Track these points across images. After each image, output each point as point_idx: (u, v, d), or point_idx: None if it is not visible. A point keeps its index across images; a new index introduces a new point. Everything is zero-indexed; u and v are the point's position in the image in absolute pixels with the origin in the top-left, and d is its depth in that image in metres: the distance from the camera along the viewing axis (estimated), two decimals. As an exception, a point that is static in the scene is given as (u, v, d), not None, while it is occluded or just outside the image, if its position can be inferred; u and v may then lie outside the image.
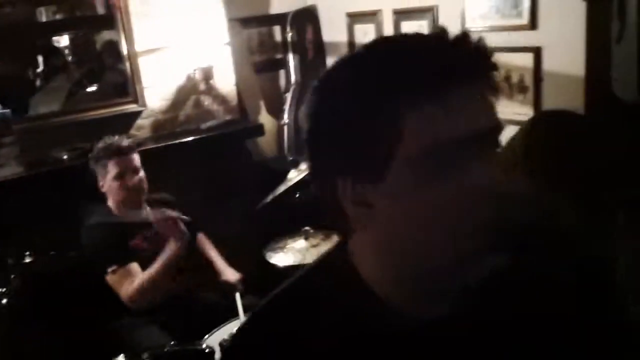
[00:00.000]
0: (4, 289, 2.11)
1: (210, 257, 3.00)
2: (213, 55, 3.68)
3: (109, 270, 2.52)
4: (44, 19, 3.76)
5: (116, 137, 2.77)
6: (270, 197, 2.72)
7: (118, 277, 2.53)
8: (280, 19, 4.09)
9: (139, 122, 3.59)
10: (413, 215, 0.68)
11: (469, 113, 0.67)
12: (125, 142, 2.72)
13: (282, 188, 2.78)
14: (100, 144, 2.72)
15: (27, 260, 2.16)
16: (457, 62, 0.66)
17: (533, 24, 2.72)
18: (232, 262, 3.00)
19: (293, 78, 4.09)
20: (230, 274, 2.89)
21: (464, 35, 0.68)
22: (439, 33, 0.69)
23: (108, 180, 2.65)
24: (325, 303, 0.76)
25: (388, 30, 3.64)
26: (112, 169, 2.63)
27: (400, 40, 0.73)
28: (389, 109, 0.66)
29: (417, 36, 0.72)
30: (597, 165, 1.21)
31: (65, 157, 3.23)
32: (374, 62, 0.69)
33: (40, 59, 3.84)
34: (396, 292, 0.74)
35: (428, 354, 0.73)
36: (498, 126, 0.70)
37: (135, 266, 2.55)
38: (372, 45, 0.72)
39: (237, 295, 2.58)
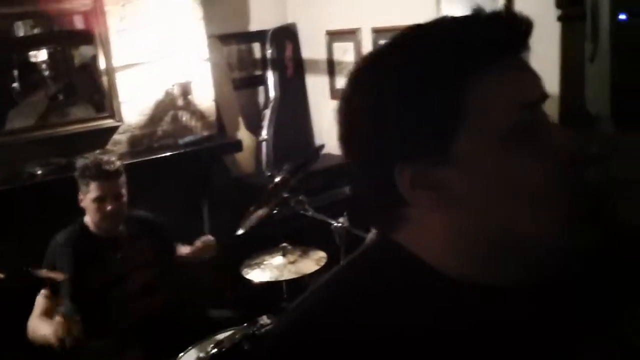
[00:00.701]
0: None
1: (186, 252, 2.93)
2: (192, 71, 3.67)
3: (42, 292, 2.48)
4: (21, 34, 3.73)
5: (105, 156, 2.71)
6: (246, 215, 2.70)
7: (37, 302, 2.49)
8: (259, 36, 4.11)
9: (116, 137, 3.56)
10: (492, 189, 0.65)
11: (529, 77, 0.67)
12: (115, 165, 2.64)
13: (257, 206, 2.75)
14: (90, 159, 2.66)
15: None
16: (509, 31, 0.67)
17: (509, 44, 2.77)
18: (209, 278, 2.97)
19: (272, 94, 4.11)
20: (204, 239, 2.89)
21: (507, 9, 0.72)
22: (478, 9, 0.69)
23: (87, 199, 2.60)
24: (396, 295, 0.69)
25: (367, 49, 3.67)
26: (94, 191, 2.57)
27: (448, 19, 0.71)
28: (453, 80, 0.64)
29: (462, 16, 0.71)
30: None
31: (39, 172, 3.18)
32: (430, 38, 0.67)
33: (16, 73, 3.80)
34: (475, 272, 0.69)
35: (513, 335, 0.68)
36: (547, 93, 0.71)
37: (40, 303, 2.49)
38: (418, 27, 0.70)
39: None
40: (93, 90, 3.66)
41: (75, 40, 3.65)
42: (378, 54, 0.71)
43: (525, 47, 0.69)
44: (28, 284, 2.36)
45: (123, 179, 2.64)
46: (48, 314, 2.42)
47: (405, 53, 0.67)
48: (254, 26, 4.13)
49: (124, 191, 2.64)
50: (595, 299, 0.72)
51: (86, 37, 3.52)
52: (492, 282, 0.68)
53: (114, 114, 3.51)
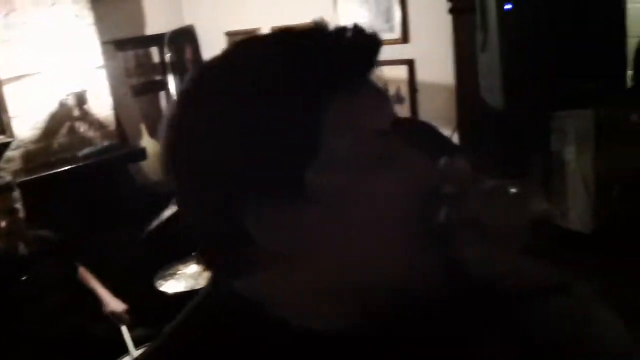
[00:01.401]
0: None
1: (94, 289, 2.85)
2: (86, 79, 3.52)
3: None
4: None
5: None
6: (155, 224, 2.63)
7: None
8: (157, 39, 4.00)
9: (8, 154, 3.35)
10: (348, 225, 0.58)
11: (382, 102, 0.62)
12: (5, 179, 2.51)
13: (167, 214, 2.69)
14: None
15: None
16: (359, 51, 0.60)
17: (405, 38, 2.85)
18: (121, 294, 2.86)
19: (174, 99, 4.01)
20: (114, 305, 2.76)
21: (355, 26, 0.61)
22: (321, 24, 0.62)
23: None
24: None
25: (268, 48, 3.67)
26: None
27: (291, 33, 0.63)
28: (303, 106, 0.56)
29: (305, 30, 0.63)
30: None
31: None
32: (273, 56, 0.59)
33: None
34: (330, 320, 0.61)
35: None
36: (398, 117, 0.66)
37: None
38: (252, 44, 0.63)
39: (124, 328, 2.47)
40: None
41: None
42: (217, 68, 0.62)
43: (374, 66, 0.62)
44: None
45: (16, 194, 2.51)
46: None
47: (248, 73, 0.58)
48: (150, 30, 4.01)
49: (17, 206, 2.50)
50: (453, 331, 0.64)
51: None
52: (345, 330, 0.61)
53: (3, 129, 3.31)
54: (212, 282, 0.68)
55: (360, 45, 0.60)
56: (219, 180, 0.58)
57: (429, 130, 1.36)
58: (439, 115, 2.78)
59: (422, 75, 2.85)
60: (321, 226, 0.58)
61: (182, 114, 0.61)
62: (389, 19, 2.90)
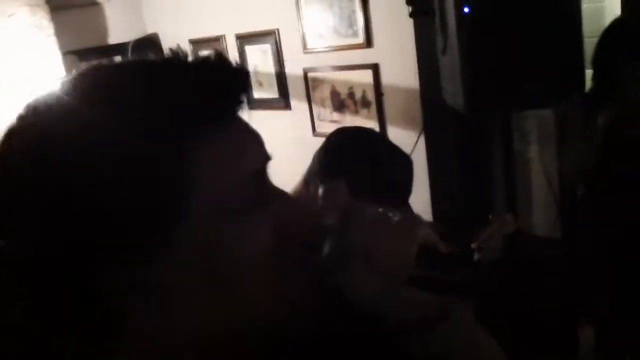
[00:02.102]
0: None
1: None
2: (47, 90, 3.45)
3: None
4: None
5: None
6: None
7: None
8: (119, 49, 3.94)
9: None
10: (217, 279, 0.52)
11: (252, 141, 0.57)
12: None
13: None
14: None
15: None
16: (226, 84, 0.54)
17: (369, 42, 2.86)
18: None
19: (139, 109, 3.96)
20: None
21: (218, 55, 0.56)
22: (180, 53, 0.56)
23: None
24: None
25: (233, 55, 3.64)
26: None
27: (144, 63, 0.57)
28: (163, 153, 0.49)
29: (162, 60, 0.56)
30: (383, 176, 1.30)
31: None
32: (134, 91, 0.51)
33: None
34: None
35: None
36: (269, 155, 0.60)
37: None
38: (113, 73, 0.56)
39: None
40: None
41: None
42: (51, 105, 0.54)
43: (243, 100, 0.57)
44: None
45: None
46: None
47: (98, 108, 0.50)
48: (113, 39, 3.96)
49: None
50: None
51: None
52: None
53: (-37, 144, 3.22)
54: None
55: (224, 80, 0.54)
56: (77, 247, 0.49)
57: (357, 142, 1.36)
58: (406, 118, 2.80)
59: (387, 79, 2.87)
60: (192, 281, 0.52)
61: (7, 157, 0.52)
62: (352, 23, 2.91)
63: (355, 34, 2.91)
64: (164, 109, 0.50)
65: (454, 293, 0.62)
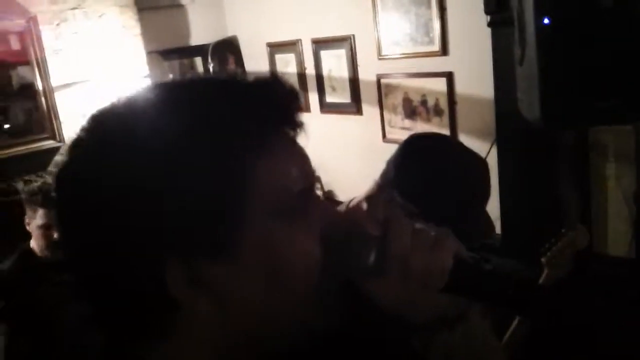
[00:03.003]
0: None
1: None
2: (132, 87, 3.63)
3: None
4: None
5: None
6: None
7: None
8: (201, 50, 4.10)
9: (57, 158, 3.48)
10: (272, 279, 0.57)
11: (300, 159, 0.61)
12: None
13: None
14: (39, 183, 2.59)
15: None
16: (277, 107, 0.59)
17: (444, 50, 2.86)
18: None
19: (216, 108, 4.10)
20: None
21: (275, 76, 0.61)
22: (237, 74, 0.61)
23: (33, 224, 2.55)
24: None
25: (308, 59, 3.71)
26: (40, 218, 2.52)
27: (204, 83, 0.62)
28: (221, 165, 0.54)
29: (225, 79, 0.61)
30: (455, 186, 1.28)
31: (-22, 197, 3.09)
32: (188, 110, 0.56)
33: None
34: None
35: None
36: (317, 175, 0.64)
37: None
38: (172, 92, 0.60)
39: None
40: (32, 111, 3.58)
41: (12, 63, 3.57)
42: (119, 117, 0.58)
43: (295, 120, 0.61)
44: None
45: None
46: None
47: (165, 126, 0.55)
48: (195, 40, 4.12)
49: None
50: None
51: (23, 57, 3.45)
52: None
53: (54, 134, 3.44)
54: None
55: (275, 100, 0.59)
56: (145, 243, 0.54)
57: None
58: (478, 127, 2.78)
59: (461, 88, 2.86)
60: (240, 284, 0.57)
61: (79, 168, 0.57)
62: (428, 31, 2.92)
63: (431, 42, 2.92)
64: (223, 126, 0.55)
65: (488, 304, 0.64)
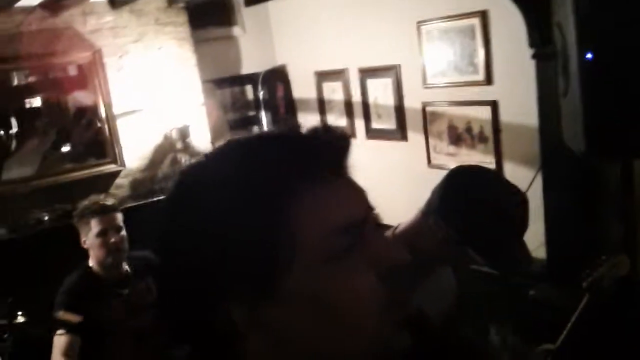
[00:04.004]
0: (-2, 347, 2.13)
1: None
2: (189, 115, 3.83)
3: (58, 332, 2.55)
4: (15, 82, 3.87)
5: (102, 196, 2.82)
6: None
7: (56, 342, 2.57)
8: (251, 78, 4.28)
9: (118, 181, 3.69)
10: (325, 318, 0.61)
11: (350, 197, 0.64)
12: (110, 200, 2.78)
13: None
14: (85, 202, 2.77)
15: (20, 320, 2.19)
16: (326, 151, 0.63)
17: (489, 80, 2.95)
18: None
19: (266, 134, 4.25)
20: None
21: (325, 125, 0.67)
22: (293, 127, 0.67)
23: (90, 236, 2.69)
24: None
25: (355, 87, 3.85)
26: (95, 227, 2.67)
27: (256, 141, 0.67)
28: (272, 214, 0.59)
29: (273, 134, 0.68)
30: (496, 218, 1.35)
31: (46, 218, 3.29)
32: (240, 167, 0.62)
33: (14, 121, 3.92)
34: None
35: None
36: (372, 204, 0.67)
37: (60, 342, 2.56)
38: (225, 151, 0.66)
39: None
40: (91, 135, 3.79)
41: (70, 87, 3.80)
42: (199, 169, 0.65)
43: (344, 163, 0.66)
44: (45, 328, 2.44)
45: (120, 215, 2.75)
46: (67, 353, 2.50)
47: (226, 185, 0.61)
48: (246, 69, 4.30)
49: (122, 225, 2.75)
50: None
51: (81, 84, 3.67)
52: None
53: (116, 159, 3.64)
54: None
55: (327, 145, 0.64)
56: (206, 287, 0.61)
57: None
58: (522, 155, 2.85)
59: (505, 116, 2.93)
60: (293, 325, 0.61)
61: (174, 219, 0.64)
62: (473, 61, 3.01)
63: (475, 71, 3.01)
64: (267, 182, 0.60)
65: None
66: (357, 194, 0.65)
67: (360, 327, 0.61)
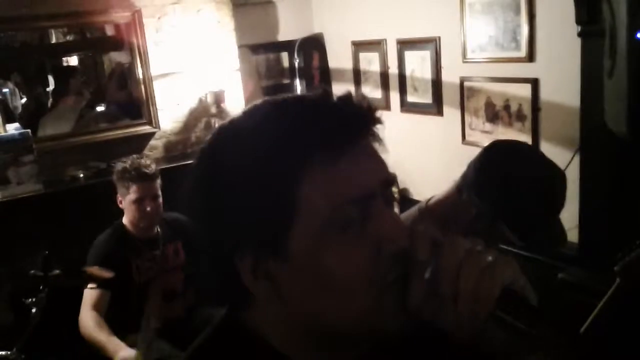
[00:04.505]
0: (33, 299, 2.20)
1: None
2: (224, 79, 3.83)
3: (89, 286, 2.61)
4: (54, 40, 3.92)
5: (143, 160, 2.82)
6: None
7: (86, 296, 2.62)
8: (287, 45, 4.25)
9: (153, 142, 3.73)
10: (320, 283, 0.64)
11: (364, 169, 0.65)
12: (152, 168, 2.78)
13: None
14: (128, 163, 2.77)
15: (55, 272, 2.25)
16: (345, 120, 0.65)
17: (531, 57, 2.88)
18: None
19: (300, 103, 4.24)
20: None
21: (349, 94, 0.68)
22: (322, 93, 0.68)
23: (127, 200, 2.73)
24: None
25: (392, 59, 3.79)
26: (133, 193, 2.70)
27: (284, 103, 0.69)
28: (284, 175, 0.62)
29: (300, 98, 0.72)
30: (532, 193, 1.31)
31: (81, 175, 3.35)
32: (264, 127, 0.66)
33: (51, 79, 3.99)
34: (312, 355, 0.71)
35: None
36: (392, 179, 0.69)
37: (91, 295, 2.60)
38: (255, 110, 0.69)
39: None
40: (126, 96, 3.83)
41: (106, 47, 3.84)
42: (226, 133, 0.70)
43: (367, 133, 0.68)
44: (77, 282, 2.50)
45: (159, 181, 2.79)
46: (97, 307, 2.57)
47: (245, 140, 0.66)
48: (283, 36, 4.27)
49: (159, 193, 2.79)
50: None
51: (117, 43, 3.70)
52: None
53: (151, 120, 3.68)
54: (226, 314, 0.76)
55: (351, 113, 0.66)
56: (223, 233, 0.67)
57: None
58: (561, 135, 2.78)
59: (545, 95, 2.86)
60: (291, 283, 0.66)
61: (202, 167, 0.70)
62: (515, 37, 2.93)
63: (517, 48, 2.94)
64: (280, 148, 0.63)
65: (522, 342, 0.64)
66: (374, 167, 0.67)
67: (352, 299, 0.64)
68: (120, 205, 2.79)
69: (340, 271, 0.63)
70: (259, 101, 0.71)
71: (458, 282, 0.62)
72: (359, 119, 0.66)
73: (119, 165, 2.79)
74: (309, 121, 0.64)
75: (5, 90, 3.84)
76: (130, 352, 2.35)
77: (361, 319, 0.65)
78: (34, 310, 2.17)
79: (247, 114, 0.70)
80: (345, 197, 0.62)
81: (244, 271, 0.66)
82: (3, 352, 2.16)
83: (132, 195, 2.71)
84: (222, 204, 0.66)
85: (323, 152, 0.62)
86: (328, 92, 0.68)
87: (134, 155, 2.89)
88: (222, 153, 0.68)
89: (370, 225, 0.64)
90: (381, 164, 0.68)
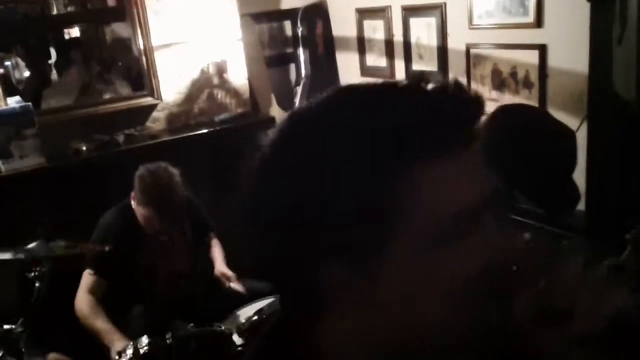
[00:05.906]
0: (36, 272, 2.21)
1: (213, 257, 3.03)
2: (226, 50, 3.77)
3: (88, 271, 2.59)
4: (55, 12, 3.86)
5: (163, 169, 2.66)
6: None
7: (84, 279, 2.61)
8: (290, 14, 4.18)
9: (155, 114, 3.70)
10: (423, 291, 0.59)
11: (476, 174, 0.59)
12: (177, 193, 2.64)
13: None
14: (149, 169, 2.62)
15: (59, 244, 2.25)
16: (462, 121, 0.58)
17: (539, 23, 2.81)
18: (234, 257, 3.05)
19: (303, 72, 4.19)
20: (224, 269, 2.93)
21: (449, 83, 0.59)
22: (418, 79, 0.60)
23: (140, 210, 2.62)
24: None
25: (397, 26, 3.73)
26: (146, 213, 2.61)
27: (371, 93, 0.61)
28: (393, 176, 0.55)
29: (390, 86, 0.61)
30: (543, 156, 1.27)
31: (84, 148, 3.34)
32: (363, 120, 0.57)
33: (52, 51, 3.95)
34: None
35: None
36: (501, 188, 0.63)
37: (88, 279, 2.59)
38: (343, 100, 0.61)
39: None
40: (128, 68, 3.79)
41: (108, 18, 3.78)
42: (308, 122, 0.61)
43: (473, 133, 0.60)
44: (79, 260, 2.49)
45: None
46: (93, 291, 2.56)
47: (330, 138, 0.57)
48: (285, 4, 4.19)
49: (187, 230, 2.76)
50: None
51: (119, 14, 3.64)
52: None
53: (153, 92, 3.64)
54: (282, 320, 0.69)
55: (457, 111, 0.57)
56: (310, 239, 0.58)
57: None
58: (568, 102, 2.73)
59: (553, 62, 2.81)
60: (386, 293, 0.59)
61: (272, 166, 0.61)
62: (523, 2, 2.87)
63: (525, 13, 2.87)
64: (390, 135, 0.55)
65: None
66: (480, 172, 0.59)
67: (456, 310, 0.59)
68: (132, 205, 2.68)
69: (441, 287, 0.58)
70: (335, 90, 0.61)
71: (575, 298, 0.60)
72: (470, 114, 0.59)
73: (140, 170, 2.63)
74: (412, 116, 0.56)
75: (7, 63, 3.80)
76: (124, 343, 2.32)
77: (459, 332, 0.60)
78: (37, 284, 2.17)
79: (329, 106, 0.60)
80: (452, 208, 0.56)
81: (332, 278, 0.58)
82: (7, 326, 2.18)
83: (146, 215, 2.61)
84: (313, 206, 0.57)
85: (428, 155, 0.55)
86: (423, 78, 0.59)
87: (139, 128, 2.80)
88: (310, 150, 0.58)
89: (479, 237, 0.58)
90: (484, 175, 0.61)
